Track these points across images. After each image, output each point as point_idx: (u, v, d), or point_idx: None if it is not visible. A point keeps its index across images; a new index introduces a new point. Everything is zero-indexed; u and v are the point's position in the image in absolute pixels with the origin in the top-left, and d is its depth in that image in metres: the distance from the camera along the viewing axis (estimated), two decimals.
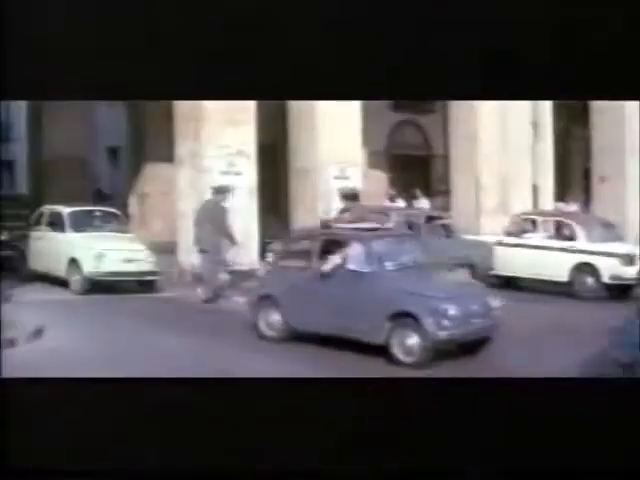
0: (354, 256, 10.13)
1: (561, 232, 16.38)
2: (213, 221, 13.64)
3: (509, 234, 16.35)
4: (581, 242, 15.61)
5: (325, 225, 11.44)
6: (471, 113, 19.75)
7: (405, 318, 9.44)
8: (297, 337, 10.58)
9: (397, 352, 9.45)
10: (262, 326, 10.90)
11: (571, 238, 15.86)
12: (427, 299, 9.45)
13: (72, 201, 16.22)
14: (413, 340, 9.36)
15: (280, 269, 11.15)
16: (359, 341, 9.77)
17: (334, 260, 10.20)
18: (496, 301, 10.19)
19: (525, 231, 16.63)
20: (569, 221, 16.43)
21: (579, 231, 15.81)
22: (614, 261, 15.07)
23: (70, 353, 9.80)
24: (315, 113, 16.93)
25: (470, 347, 9.82)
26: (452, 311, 9.34)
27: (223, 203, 13.96)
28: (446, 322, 9.30)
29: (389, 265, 10.15)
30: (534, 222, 16.78)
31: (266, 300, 10.93)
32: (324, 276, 10.19)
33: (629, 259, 15.05)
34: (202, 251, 13.85)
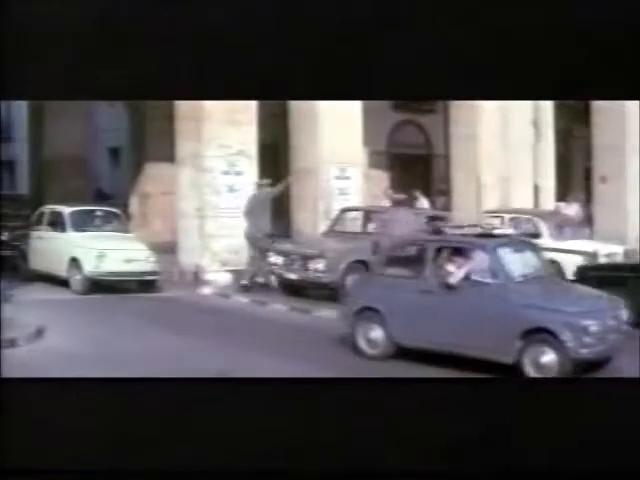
0: (478, 266, 9.30)
1: (527, 229, 16.46)
2: (266, 207, 14.58)
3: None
4: (546, 239, 15.68)
5: (437, 230, 10.54)
6: (472, 113, 19.76)
7: (540, 335, 8.75)
8: (402, 354, 9.63)
9: (530, 371, 8.73)
10: (361, 343, 9.92)
11: (537, 235, 15.95)
12: (565, 315, 8.76)
13: (73, 201, 16.21)
14: (549, 358, 8.70)
15: (383, 278, 10.06)
16: (481, 359, 8.95)
17: (461, 271, 9.28)
18: (626, 314, 9.51)
19: (493, 228, 16.70)
20: (534, 218, 16.53)
21: (543, 228, 15.92)
22: (578, 258, 15.11)
23: (70, 353, 9.80)
24: (316, 113, 16.93)
25: (600, 363, 9.15)
26: (593, 327, 8.71)
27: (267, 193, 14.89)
28: (588, 339, 8.66)
29: (516, 276, 9.37)
30: (502, 219, 16.88)
31: (367, 313, 9.92)
32: (448, 288, 9.29)
33: (593, 257, 15.09)
34: (253, 238, 14.47)
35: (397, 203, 14.28)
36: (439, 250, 9.63)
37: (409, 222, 13.34)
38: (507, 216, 16.92)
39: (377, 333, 9.82)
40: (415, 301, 9.55)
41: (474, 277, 9.27)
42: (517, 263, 9.65)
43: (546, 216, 17.19)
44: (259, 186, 15.06)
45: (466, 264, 9.33)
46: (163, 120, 18.57)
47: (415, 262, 9.78)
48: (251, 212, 14.55)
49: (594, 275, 12.69)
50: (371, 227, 14.87)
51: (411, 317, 9.55)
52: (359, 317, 9.98)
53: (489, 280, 9.21)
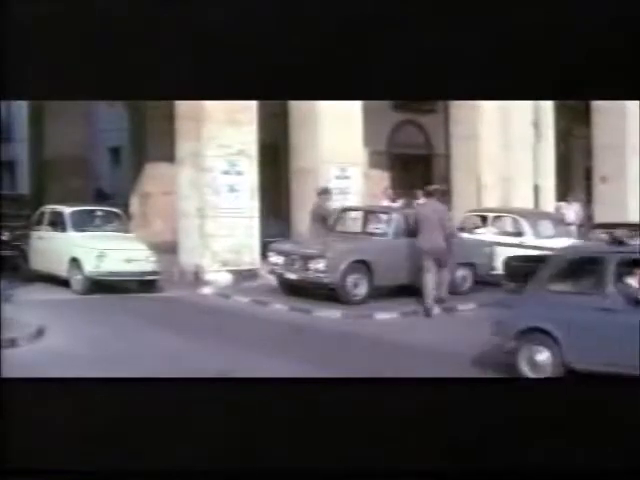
0: None
1: (510, 228, 16.52)
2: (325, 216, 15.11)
3: (461, 231, 16.33)
4: (528, 237, 15.68)
5: (616, 241, 9.63)
6: (472, 113, 19.78)
7: None
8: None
9: None
10: (523, 366, 8.82)
11: (519, 234, 15.96)
12: None
13: (73, 201, 16.24)
14: None
15: (550, 295, 8.97)
16: None
17: None
18: None
19: (476, 227, 16.77)
20: (516, 217, 16.56)
21: (525, 226, 15.96)
22: None
23: (70, 353, 9.80)
24: (316, 113, 16.94)
25: None
26: None
27: (329, 202, 15.43)
28: None
29: None
30: (484, 218, 16.91)
31: (533, 334, 8.83)
32: (636, 305, 8.27)
33: None
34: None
35: (428, 194, 14.09)
36: (620, 262, 8.61)
37: (440, 212, 13.30)
38: (491, 215, 16.99)
39: (545, 356, 8.76)
40: (594, 321, 8.46)
41: None
42: None
43: (528, 215, 17.23)
44: (320, 192, 15.40)
45: None
46: (163, 120, 18.59)
47: (589, 276, 8.87)
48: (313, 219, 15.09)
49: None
50: (372, 227, 14.86)
51: (589, 339, 8.48)
52: (523, 338, 8.90)
53: None
